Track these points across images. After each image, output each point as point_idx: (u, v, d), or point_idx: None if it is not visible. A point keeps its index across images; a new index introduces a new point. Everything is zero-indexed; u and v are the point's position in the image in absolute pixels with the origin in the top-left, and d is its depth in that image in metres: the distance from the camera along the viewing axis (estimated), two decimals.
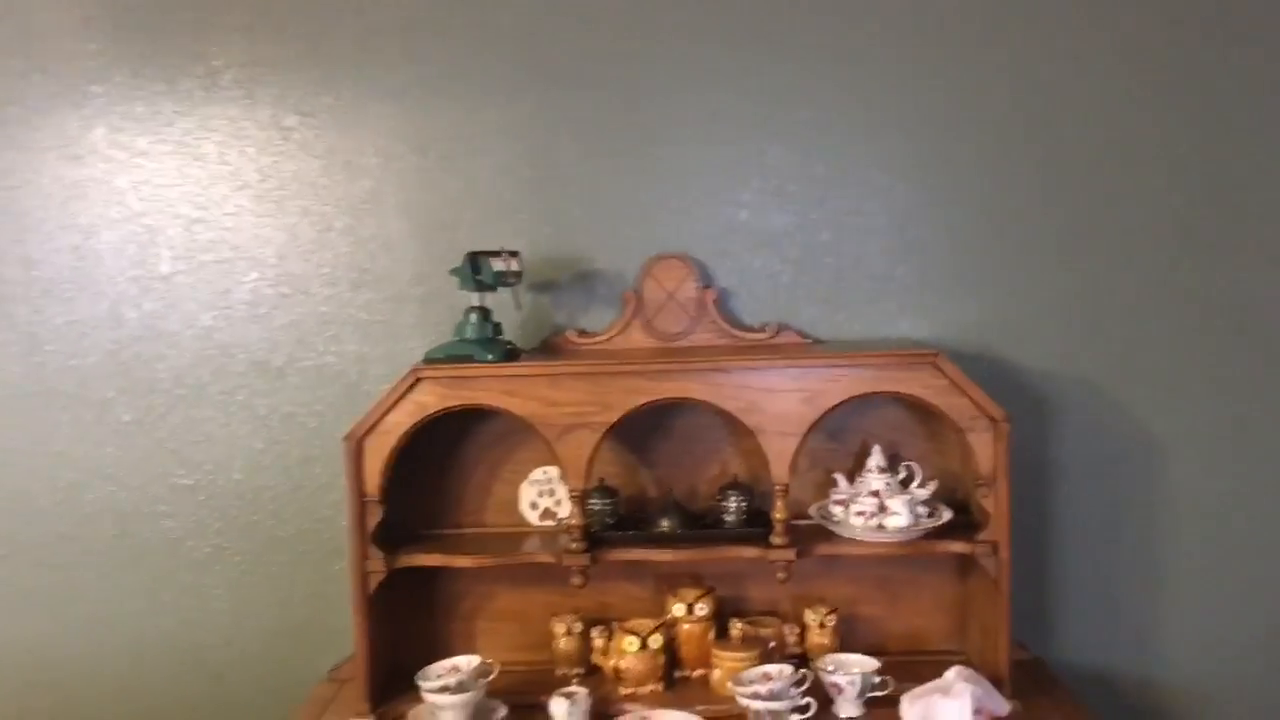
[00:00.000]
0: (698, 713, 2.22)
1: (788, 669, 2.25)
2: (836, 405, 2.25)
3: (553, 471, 2.48)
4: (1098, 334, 2.53)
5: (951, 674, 2.19)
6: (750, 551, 2.30)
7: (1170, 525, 2.55)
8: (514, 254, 2.33)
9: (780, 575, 2.29)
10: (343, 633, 2.49)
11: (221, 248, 2.54)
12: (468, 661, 2.27)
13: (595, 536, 2.34)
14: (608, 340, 2.49)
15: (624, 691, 2.33)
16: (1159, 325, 2.53)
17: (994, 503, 2.24)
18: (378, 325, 2.55)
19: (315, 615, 2.59)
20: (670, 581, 2.48)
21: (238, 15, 2.50)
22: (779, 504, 2.27)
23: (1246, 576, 2.56)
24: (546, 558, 2.33)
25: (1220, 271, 2.51)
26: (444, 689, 2.17)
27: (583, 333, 2.50)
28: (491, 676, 2.23)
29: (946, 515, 2.35)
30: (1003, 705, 2.18)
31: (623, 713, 2.24)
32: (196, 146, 2.53)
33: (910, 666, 2.32)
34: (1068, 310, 2.53)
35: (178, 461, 2.58)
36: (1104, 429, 2.54)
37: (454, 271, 2.35)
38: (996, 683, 2.21)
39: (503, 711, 2.22)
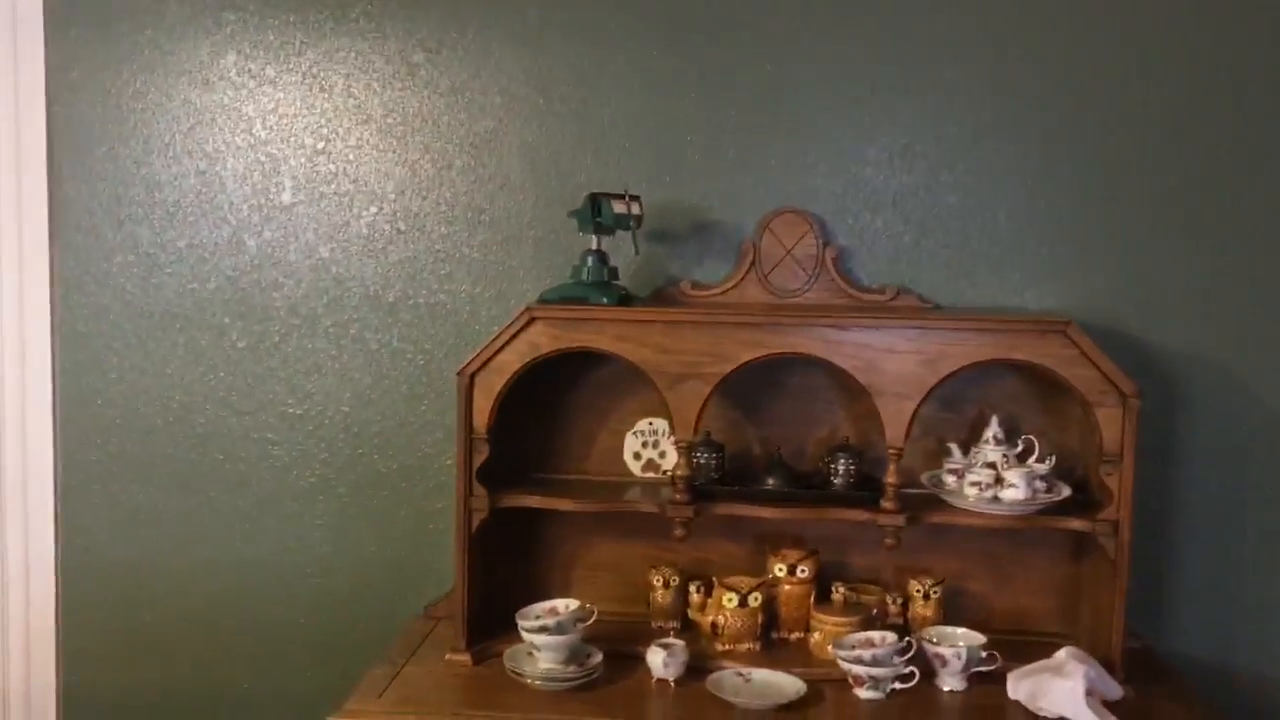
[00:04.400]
0: (796, 674, 2.18)
1: (891, 636, 2.20)
2: (958, 370, 2.19)
3: (659, 423, 2.45)
4: (1230, 315, 2.42)
5: (1063, 654, 2.13)
6: (858, 515, 2.25)
7: None
8: (635, 198, 2.29)
9: (889, 541, 2.23)
10: (439, 571, 2.52)
11: (342, 180, 2.55)
12: (566, 605, 2.26)
13: (699, 490, 2.31)
14: (722, 293, 2.45)
15: (720, 648, 2.30)
16: None
17: (1118, 481, 2.16)
18: (492, 265, 2.54)
19: (413, 552, 2.60)
20: (770, 542, 2.44)
21: None
22: (892, 468, 2.21)
23: None
24: (650, 507, 2.30)
25: None
26: (543, 629, 2.16)
27: (697, 284, 2.46)
28: (590, 621, 2.21)
29: (1065, 492, 2.27)
30: (1115, 689, 2.10)
31: (720, 668, 2.21)
32: (324, 78, 2.54)
33: (1015, 646, 2.27)
34: (1200, 289, 2.42)
35: (288, 390, 2.60)
36: (1232, 413, 2.43)
37: (573, 213, 2.33)
38: (1108, 667, 2.14)
39: (598, 657, 2.20)
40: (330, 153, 2.55)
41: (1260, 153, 2.38)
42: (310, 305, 2.58)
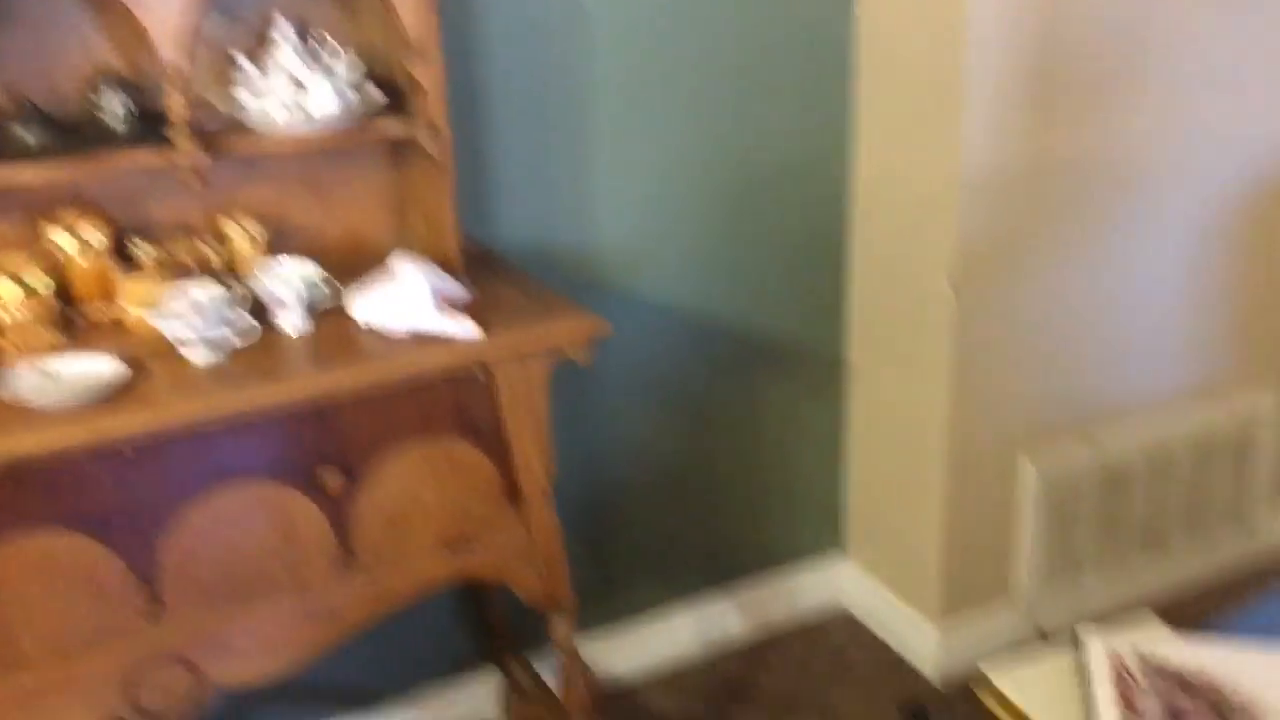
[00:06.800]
0: (114, 356, 1.85)
1: (217, 288, 1.93)
2: None
3: None
4: None
5: (397, 264, 2.03)
6: (150, 159, 1.88)
7: (598, 94, 2.50)
8: None
9: (193, 184, 1.91)
10: None
11: None
12: None
13: None
14: None
15: (12, 348, 1.88)
16: None
17: (427, 75, 2.01)
18: None
19: None
20: (43, 211, 1.99)
21: None
22: (177, 96, 1.85)
23: (669, 143, 2.61)
24: None
25: None
26: None
27: None
28: None
29: (378, 97, 2.08)
30: (459, 291, 2.07)
31: (16, 371, 1.81)
32: None
33: (353, 270, 2.13)
34: None
35: None
36: None
37: None
38: (449, 271, 2.09)
39: None
40: None
41: None
42: None
